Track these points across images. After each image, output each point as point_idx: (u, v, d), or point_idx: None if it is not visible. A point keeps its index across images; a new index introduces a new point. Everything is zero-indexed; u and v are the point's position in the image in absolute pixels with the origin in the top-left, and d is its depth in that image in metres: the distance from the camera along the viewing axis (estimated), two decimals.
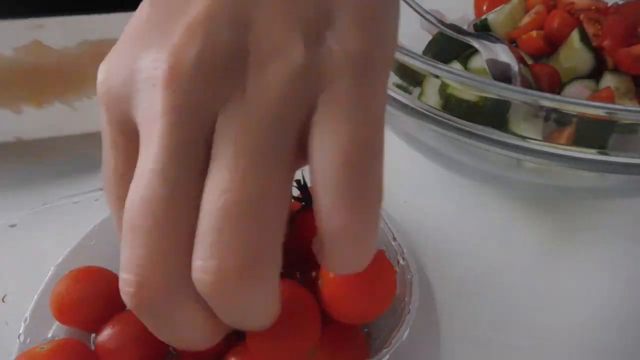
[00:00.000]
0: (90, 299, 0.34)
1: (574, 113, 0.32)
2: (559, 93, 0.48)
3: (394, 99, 0.38)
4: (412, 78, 0.43)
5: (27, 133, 0.49)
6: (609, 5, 0.52)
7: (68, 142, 0.50)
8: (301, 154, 0.21)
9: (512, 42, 0.52)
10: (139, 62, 0.21)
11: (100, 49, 0.58)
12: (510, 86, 0.33)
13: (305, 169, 0.34)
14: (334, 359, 0.32)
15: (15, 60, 0.56)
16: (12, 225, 0.36)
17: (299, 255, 0.35)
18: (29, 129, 0.49)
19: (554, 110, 0.32)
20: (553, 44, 0.50)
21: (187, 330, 0.22)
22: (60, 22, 0.62)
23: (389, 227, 0.35)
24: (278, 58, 0.20)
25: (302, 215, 0.33)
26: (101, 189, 0.38)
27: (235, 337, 0.32)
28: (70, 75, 0.54)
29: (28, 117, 0.50)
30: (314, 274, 0.35)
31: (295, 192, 0.34)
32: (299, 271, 0.38)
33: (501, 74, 0.44)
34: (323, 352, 0.31)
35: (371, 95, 0.21)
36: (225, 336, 0.33)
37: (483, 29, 0.53)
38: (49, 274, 0.37)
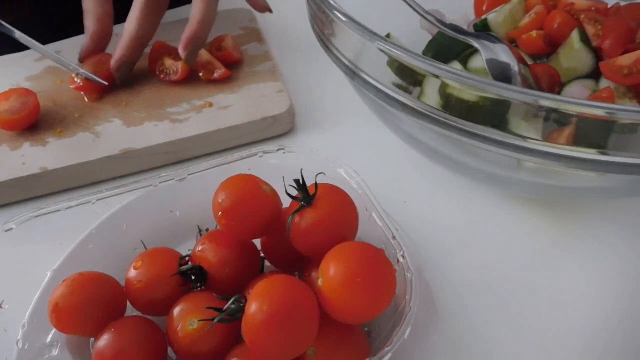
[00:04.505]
0: (88, 307, 0.34)
1: (574, 113, 0.32)
2: (559, 93, 0.48)
3: (394, 99, 0.38)
4: (412, 78, 0.43)
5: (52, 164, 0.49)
6: (609, 6, 0.52)
7: None
8: None
9: (512, 42, 0.52)
10: None
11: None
12: (510, 86, 0.33)
13: (304, 169, 0.34)
14: (334, 359, 0.32)
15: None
16: (9, 230, 0.36)
17: (299, 255, 0.35)
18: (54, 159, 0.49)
19: (554, 110, 0.32)
20: (553, 44, 0.50)
21: None
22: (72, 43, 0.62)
23: (388, 227, 0.35)
24: None
25: (300, 215, 0.33)
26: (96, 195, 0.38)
27: (236, 338, 0.32)
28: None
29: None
30: (313, 274, 0.35)
31: (295, 192, 0.34)
32: (298, 271, 0.38)
33: (501, 74, 0.44)
34: (323, 352, 0.31)
35: None
36: (227, 338, 0.33)
37: (483, 29, 0.53)
38: (46, 279, 0.37)
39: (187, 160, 0.52)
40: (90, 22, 0.56)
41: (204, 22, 0.53)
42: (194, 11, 0.54)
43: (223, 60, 0.57)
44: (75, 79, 0.55)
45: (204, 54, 0.56)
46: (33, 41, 0.55)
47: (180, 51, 0.53)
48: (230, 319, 0.31)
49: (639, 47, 0.46)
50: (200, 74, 0.56)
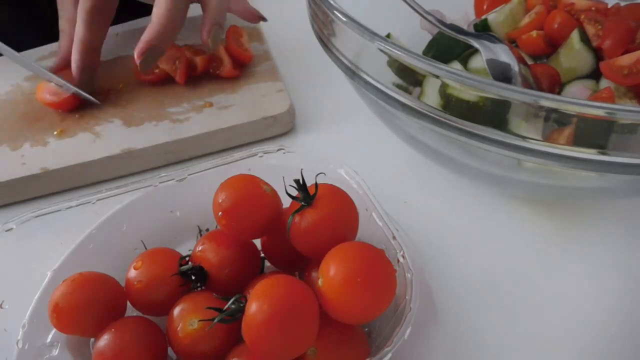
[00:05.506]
0: (88, 307, 0.34)
1: (574, 113, 0.32)
2: (559, 93, 0.48)
3: (394, 99, 0.38)
4: (412, 78, 0.43)
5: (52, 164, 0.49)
6: (609, 6, 0.52)
7: None
8: None
9: (512, 42, 0.52)
10: None
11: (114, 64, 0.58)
12: (510, 86, 0.33)
13: (304, 169, 0.34)
14: (334, 359, 0.32)
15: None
16: (9, 230, 0.36)
17: (299, 255, 0.35)
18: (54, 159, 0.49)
19: (554, 110, 0.32)
20: (553, 44, 0.50)
21: None
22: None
23: (388, 227, 0.35)
24: None
25: (300, 215, 0.33)
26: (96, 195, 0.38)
27: (236, 338, 0.32)
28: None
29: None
30: (313, 274, 0.35)
31: (295, 192, 0.34)
32: (298, 271, 0.38)
33: (501, 74, 0.44)
34: (323, 352, 0.31)
35: None
36: (227, 338, 0.33)
37: (483, 29, 0.53)
38: (46, 279, 0.37)
39: (187, 160, 0.52)
40: (64, 41, 0.55)
41: (167, 25, 0.46)
42: (157, 11, 0.46)
43: (236, 57, 0.56)
44: (47, 96, 0.53)
45: (220, 49, 0.56)
46: (14, 52, 0.54)
47: (136, 56, 0.46)
48: (230, 319, 0.31)
49: (639, 47, 0.46)
50: (210, 70, 0.56)
